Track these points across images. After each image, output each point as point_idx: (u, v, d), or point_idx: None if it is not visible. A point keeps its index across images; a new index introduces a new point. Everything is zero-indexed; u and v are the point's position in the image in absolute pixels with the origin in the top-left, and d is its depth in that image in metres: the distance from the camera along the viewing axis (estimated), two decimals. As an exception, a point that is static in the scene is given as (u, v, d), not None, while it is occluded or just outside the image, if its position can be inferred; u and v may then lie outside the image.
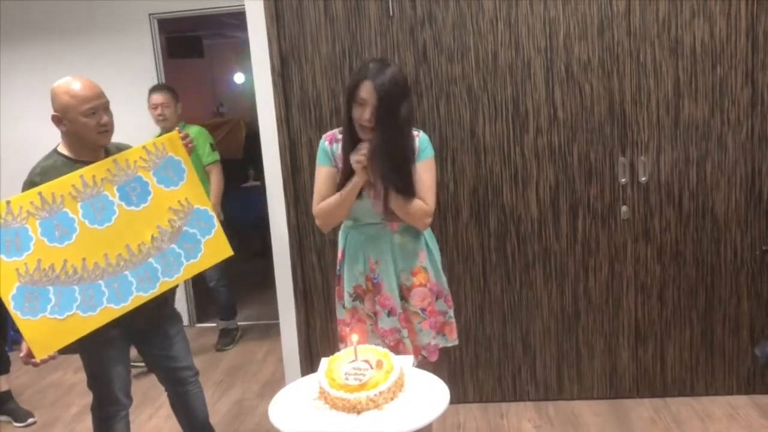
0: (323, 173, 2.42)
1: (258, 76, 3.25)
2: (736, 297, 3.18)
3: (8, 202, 2.12)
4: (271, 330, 4.72)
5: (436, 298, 2.50)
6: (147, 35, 4.72)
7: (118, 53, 4.71)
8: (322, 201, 2.40)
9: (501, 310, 3.29)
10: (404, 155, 2.32)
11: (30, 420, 3.61)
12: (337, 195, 2.36)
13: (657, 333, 3.24)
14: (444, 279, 2.54)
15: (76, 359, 2.59)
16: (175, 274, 2.41)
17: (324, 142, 2.44)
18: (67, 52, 4.74)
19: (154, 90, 4.19)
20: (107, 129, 2.32)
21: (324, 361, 2.02)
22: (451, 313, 2.56)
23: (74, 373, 4.15)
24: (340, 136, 2.40)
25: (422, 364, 2.46)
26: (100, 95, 2.30)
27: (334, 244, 2.93)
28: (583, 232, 3.18)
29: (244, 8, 3.27)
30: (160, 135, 3.62)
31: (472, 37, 3.08)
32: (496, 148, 3.15)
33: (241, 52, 8.87)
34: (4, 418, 3.67)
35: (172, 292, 2.63)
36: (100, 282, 2.24)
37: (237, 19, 6.53)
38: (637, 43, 3.02)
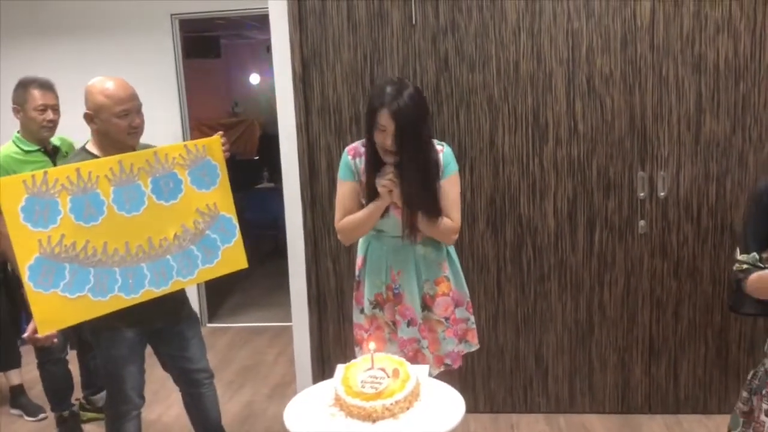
0: (346, 188, 2.40)
1: (279, 81, 3.26)
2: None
3: (46, 172, 2.13)
4: (281, 332, 4.72)
5: (456, 306, 2.50)
6: (168, 36, 4.74)
7: (138, 53, 4.71)
8: (345, 216, 2.39)
9: (514, 320, 3.28)
10: (429, 176, 2.32)
11: (41, 415, 3.63)
12: (362, 213, 2.35)
13: (671, 349, 3.22)
14: (465, 286, 2.55)
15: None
16: (188, 276, 2.41)
17: (347, 156, 2.41)
18: (88, 52, 4.75)
19: (41, 86, 3.07)
20: (138, 131, 2.34)
21: (340, 368, 2.02)
22: (473, 318, 2.58)
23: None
24: (362, 150, 2.37)
25: (445, 372, 2.46)
26: (134, 97, 2.32)
27: (350, 249, 2.94)
28: (599, 245, 3.17)
29: (265, 10, 3.28)
30: (41, 146, 3.11)
31: (494, 46, 3.08)
32: (514, 158, 3.14)
33: (257, 52, 8.93)
34: (15, 412, 3.70)
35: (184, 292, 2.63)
36: (116, 269, 2.24)
37: (255, 21, 6.58)
38: (660, 58, 3.01)
